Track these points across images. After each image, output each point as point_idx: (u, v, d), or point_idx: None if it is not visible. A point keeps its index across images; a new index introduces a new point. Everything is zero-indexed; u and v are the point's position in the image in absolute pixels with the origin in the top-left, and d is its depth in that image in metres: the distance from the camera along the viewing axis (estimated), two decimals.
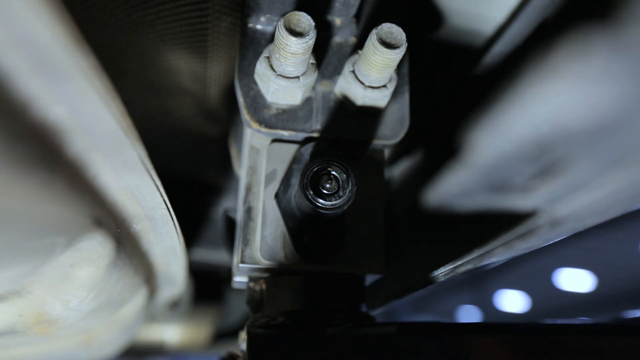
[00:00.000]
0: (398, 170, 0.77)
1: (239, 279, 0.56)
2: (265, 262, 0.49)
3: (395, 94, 0.51)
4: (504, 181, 0.45)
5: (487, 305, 4.90)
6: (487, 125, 0.46)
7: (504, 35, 0.52)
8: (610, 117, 0.32)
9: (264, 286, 0.53)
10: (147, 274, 0.61)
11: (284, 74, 0.47)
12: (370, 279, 0.56)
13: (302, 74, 0.48)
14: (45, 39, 0.23)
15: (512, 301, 4.85)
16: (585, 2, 0.34)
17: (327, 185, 0.43)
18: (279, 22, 0.43)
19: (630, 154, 0.33)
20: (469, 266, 0.49)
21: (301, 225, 0.48)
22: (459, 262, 0.50)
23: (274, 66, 0.47)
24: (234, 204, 0.96)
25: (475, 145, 0.48)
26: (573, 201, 0.38)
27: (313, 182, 0.43)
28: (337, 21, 0.53)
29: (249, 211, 0.51)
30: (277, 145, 0.52)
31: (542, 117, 0.37)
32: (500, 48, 0.53)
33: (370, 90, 0.48)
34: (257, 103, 0.50)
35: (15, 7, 0.21)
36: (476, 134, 0.47)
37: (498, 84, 0.45)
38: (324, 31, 0.53)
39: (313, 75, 0.49)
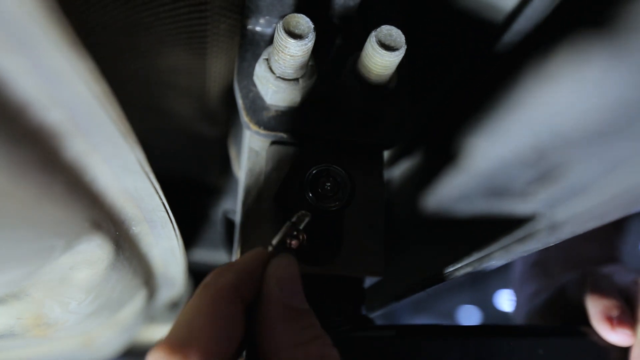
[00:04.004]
0: (398, 171, 0.77)
1: None
2: None
3: (395, 95, 0.51)
4: (503, 186, 0.45)
5: (487, 305, 4.89)
6: (486, 130, 0.46)
7: (503, 39, 0.52)
8: (608, 122, 0.32)
9: None
10: (146, 276, 0.61)
11: (283, 76, 0.47)
12: (369, 280, 0.56)
13: (302, 76, 0.48)
14: (42, 41, 0.23)
15: (512, 301, 4.84)
16: (583, 9, 0.34)
17: (327, 187, 0.43)
18: (278, 24, 0.43)
19: (628, 158, 0.33)
20: (468, 269, 0.49)
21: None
22: (458, 265, 0.50)
23: (273, 68, 0.47)
24: (234, 205, 0.96)
25: (474, 151, 0.48)
26: (572, 205, 0.38)
27: (312, 184, 0.42)
28: (337, 22, 0.53)
29: (247, 213, 0.51)
30: (276, 147, 0.52)
31: (540, 122, 0.37)
32: (499, 52, 0.53)
33: (369, 91, 0.48)
34: (256, 105, 0.50)
35: (11, 9, 0.21)
36: (475, 139, 0.47)
37: (497, 89, 0.45)
38: (324, 33, 0.53)
39: (312, 77, 0.49)
